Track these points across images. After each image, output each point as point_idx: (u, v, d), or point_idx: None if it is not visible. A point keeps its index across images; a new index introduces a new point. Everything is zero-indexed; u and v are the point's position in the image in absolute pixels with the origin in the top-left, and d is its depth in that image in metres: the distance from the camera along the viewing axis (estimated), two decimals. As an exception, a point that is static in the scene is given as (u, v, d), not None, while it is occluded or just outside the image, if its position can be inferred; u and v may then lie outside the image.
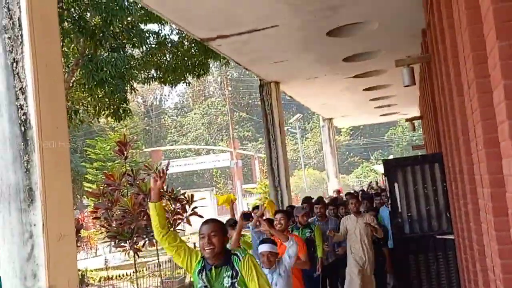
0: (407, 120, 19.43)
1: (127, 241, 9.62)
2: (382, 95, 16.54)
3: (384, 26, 9.11)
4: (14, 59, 4.45)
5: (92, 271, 17.27)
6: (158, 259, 11.09)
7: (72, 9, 12.05)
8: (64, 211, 4.56)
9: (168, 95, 69.17)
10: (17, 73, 4.42)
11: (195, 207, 10.63)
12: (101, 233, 10.93)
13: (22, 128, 4.38)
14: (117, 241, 9.80)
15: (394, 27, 9.32)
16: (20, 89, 4.42)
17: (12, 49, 4.47)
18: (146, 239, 10.26)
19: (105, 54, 12.13)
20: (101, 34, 11.92)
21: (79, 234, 12.21)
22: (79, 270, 14.24)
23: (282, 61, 11.15)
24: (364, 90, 15.37)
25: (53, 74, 4.60)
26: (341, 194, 15.98)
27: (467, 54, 3.52)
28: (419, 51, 10.41)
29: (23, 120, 4.39)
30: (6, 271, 4.38)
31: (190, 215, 10.59)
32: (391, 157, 32.29)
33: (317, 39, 9.54)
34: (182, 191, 11.20)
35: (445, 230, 8.39)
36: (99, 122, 21.50)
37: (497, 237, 3.26)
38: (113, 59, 11.52)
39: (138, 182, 10.16)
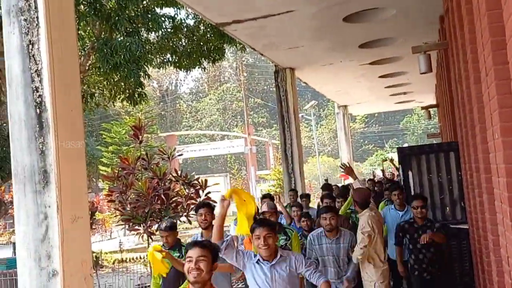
0: (423, 108, 19.24)
1: (141, 225, 9.68)
2: (398, 82, 16.38)
3: (402, 12, 8.99)
4: (30, 41, 4.47)
5: (106, 253, 17.49)
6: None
7: (88, -8, 12.06)
8: (78, 193, 4.60)
9: (184, 80, 69.33)
10: (33, 55, 4.44)
11: (209, 192, 10.66)
12: (115, 216, 11.03)
13: (38, 110, 4.41)
14: (131, 224, 9.87)
15: (412, 13, 9.19)
16: (36, 71, 4.44)
17: (28, 31, 4.49)
18: (160, 222, 10.33)
19: (120, 38, 12.13)
20: (116, 18, 11.91)
21: (93, 217, 12.33)
22: (93, 252, 14.42)
23: (297, 47, 11.08)
24: (379, 77, 15.24)
25: (69, 57, 4.61)
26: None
27: (485, 40, 3.46)
28: (436, 38, 10.27)
29: (39, 102, 4.42)
30: (21, 252, 4.44)
31: (204, 200, 10.63)
32: (405, 145, 32.05)
33: (333, 24, 9.45)
34: (196, 176, 11.24)
35: (459, 220, 8.33)
36: (114, 106, 21.59)
37: (512, 227, 3.22)
38: (127, 43, 11.51)
39: (152, 166, 10.20)
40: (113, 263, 15.22)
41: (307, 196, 10.10)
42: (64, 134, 4.46)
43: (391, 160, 11.15)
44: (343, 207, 7.81)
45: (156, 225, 10.33)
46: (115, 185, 10.04)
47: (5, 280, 9.90)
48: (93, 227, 14.42)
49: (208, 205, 6.27)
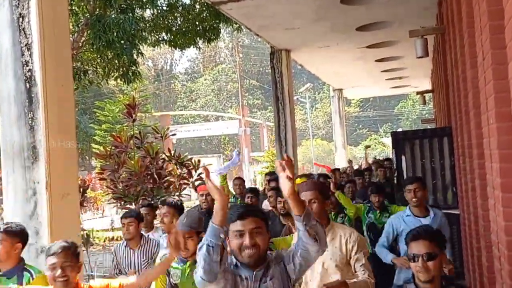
0: (418, 93, 19.21)
1: (133, 203, 9.66)
2: (394, 66, 16.31)
3: (400, -5, 8.91)
4: (20, 14, 4.38)
5: (98, 231, 17.49)
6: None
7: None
8: (68, 170, 4.55)
9: (179, 60, 68.84)
10: (23, 29, 4.36)
11: (201, 173, 10.64)
12: (107, 194, 11.00)
13: (27, 85, 4.34)
14: (122, 202, 9.85)
15: (410, -3, 9.11)
16: (26, 45, 4.36)
17: (18, 4, 4.40)
18: (152, 202, 10.31)
19: (114, 15, 11.97)
20: (111, -6, 11.75)
21: (85, 195, 12.29)
22: (84, 230, 14.42)
23: (293, 28, 10.97)
24: (376, 61, 15.16)
25: (59, 31, 4.53)
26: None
27: (483, 24, 3.41)
28: (434, 23, 10.19)
29: (28, 76, 4.34)
30: (9, 227, 4.39)
31: (196, 180, 10.61)
32: (400, 130, 32.12)
33: (330, 6, 9.35)
34: (189, 157, 11.21)
35: (451, 205, 8.35)
36: (108, 84, 21.42)
37: (504, 213, 3.20)
38: (120, 21, 11.36)
39: (145, 145, 10.16)
40: (104, 241, 15.23)
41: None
42: (54, 109, 4.40)
43: (367, 147, 10.64)
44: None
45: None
46: (107, 163, 10.00)
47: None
48: (85, 204, 14.40)
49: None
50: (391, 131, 23.77)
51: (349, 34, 11.62)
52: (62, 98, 4.55)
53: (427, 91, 18.32)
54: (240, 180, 8.26)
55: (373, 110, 58.65)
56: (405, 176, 8.69)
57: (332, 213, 6.55)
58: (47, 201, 4.31)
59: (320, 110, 57.48)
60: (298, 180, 7.49)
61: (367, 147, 10.50)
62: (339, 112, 23.09)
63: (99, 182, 17.98)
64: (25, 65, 4.33)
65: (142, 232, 5.35)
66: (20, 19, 4.38)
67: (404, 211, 5.31)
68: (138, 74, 13.65)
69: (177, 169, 10.34)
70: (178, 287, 3.67)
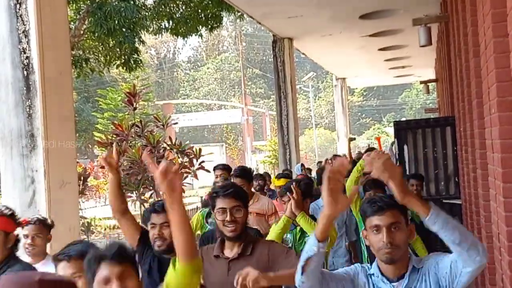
0: (421, 82, 19.10)
1: (134, 192, 9.66)
2: (397, 55, 16.20)
3: (403, -17, 8.81)
4: (17, 0, 4.33)
5: (100, 219, 17.53)
6: (164, 210, 11.17)
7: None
8: (66, 158, 4.53)
9: (182, 48, 68.56)
10: (20, 15, 4.31)
11: (203, 162, 10.62)
12: (108, 182, 10.98)
13: (25, 72, 4.30)
14: (123, 191, 9.85)
15: (414, -15, 9.01)
16: (23, 32, 4.32)
17: (15, -10, 4.35)
18: (153, 190, 10.31)
19: (115, 3, 11.89)
20: (112, -19, 11.67)
21: (86, 183, 12.29)
22: (85, 218, 14.46)
23: (296, 16, 10.88)
24: (379, 50, 15.05)
25: (57, 17, 4.49)
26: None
27: (486, 12, 3.35)
28: (438, 11, 10.10)
29: (26, 64, 4.31)
30: (8, 215, 4.38)
31: (198, 169, 10.60)
32: (403, 119, 32.02)
33: (333, -6, 9.27)
34: (191, 145, 11.18)
35: (453, 195, 8.32)
36: (109, 72, 21.38)
37: (505, 203, 3.17)
38: (122, 8, 11.28)
39: (146, 134, 10.13)
40: (105, 229, 15.25)
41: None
42: (52, 97, 4.37)
43: (350, 140, 9.97)
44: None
45: (149, 193, 10.33)
46: (108, 151, 9.99)
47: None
48: (86, 193, 14.42)
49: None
50: (394, 120, 23.71)
51: (352, 22, 11.53)
52: (61, 86, 4.51)
53: (430, 81, 18.21)
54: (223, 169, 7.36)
55: (377, 100, 58.46)
56: (407, 165, 8.66)
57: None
58: (45, 189, 4.29)
59: (323, 99, 57.32)
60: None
61: (351, 139, 9.85)
62: (342, 101, 23.01)
63: (101, 171, 17.99)
64: (22, 52, 4.29)
65: None
66: (18, 6, 4.33)
67: None
68: (139, 62, 13.59)
69: (178, 158, 10.32)
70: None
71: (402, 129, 9.04)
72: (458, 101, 6.88)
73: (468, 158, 5.92)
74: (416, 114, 50.58)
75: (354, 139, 10.03)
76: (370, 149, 7.85)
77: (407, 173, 8.62)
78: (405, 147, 8.80)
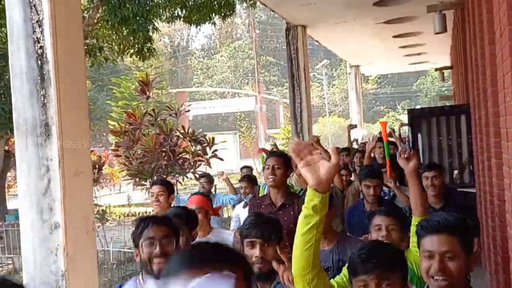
0: (436, 69, 18.90)
1: (148, 180, 9.73)
2: (412, 42, 16.03)
3: (418, -31, 8.69)
4: (31, -10, 4.35)
5: (115, 207, 17.71)
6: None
7: None
8: (80, 147, 4.56)
9: (195, 36, 68.46)
10: (34, 5, 4.33)
11: (216, 150, 10.66)
12: (122, 170, 11.09)
13: (39, 62, 4.33)
14: (137, 179, 9.93)
15: (429, -29, 8.87)
16: (37, 21, 4.33)
17: (29, -20, 4.36)
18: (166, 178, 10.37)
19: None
20: (126, -31, 11.65)
21: (101, 171, 12.41)
22: (100, 206, 14.61)
23: (309, 4, 10.79)
24: (394, 37, 14.90)
25: (71, 6, 4.50)
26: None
27: (502, -2, 3.30)
28: (453, -3, 9.96)
29: (40, 53, 4.33)
30: (23, 204, 4.44)
31: (211, 157, 10.63)
32: (418, 107, 31.76)
33: (347, -19, 9.18)
34: (205, 134, 11.22)
35: (467, 184, 8.26)
36: (123, 60, 21.42)
37: (518, 193, 3.15)
38: (136, -4, 11.30)
39: (159, 122, 10.18)
40: (119, 217, 15.40)
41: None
42: (66, 86, 4.39)
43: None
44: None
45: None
46: (122, 140, 10.05)
47: (13, 231, 10.06)
48: (101, 181, 14.54)
49: None
50: (408, 108, 23.51)
51: (366, 9, 11.42)
52: (74, 75, 4.53)
53: (446, 68, 18.01)
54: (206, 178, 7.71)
55: (391, 87, 58.00)
56: (421, 154, 8.60)
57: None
58: (60, 178, 4.33)
59: (337, 87, 57.01)
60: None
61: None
62: (356, 89, 22.85)
63: (115, 159, 18.12)
64: (36, 42, 4.31)
65: None
66: (31, -5, 4.35)
67: None
68: (153, 50, 13.61)
69: (192, 146, 10.36)
70: None
71: (416, 117, 8.98)
72: (473, 89, 6.81)
73: (483, 146, 5.87)
74: (431, 102, 50.12)
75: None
76: (380, 139, 7.73)
77: (421, 161, 8.58)
78: (419, 135, 8.75)
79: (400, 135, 10.70)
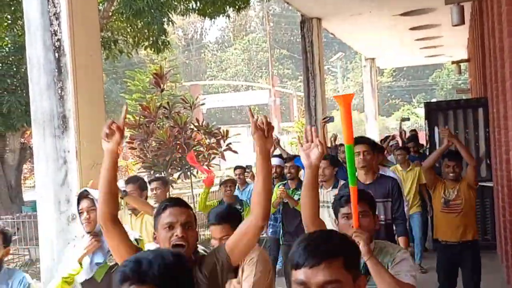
0: (453, 62, 18.70)
1: (162, 172, 9.78)
2: (428, 35, 15.86)
3: (436, -40, 8.58)
4: (48, -17, 4.37)
5: (130, 199, 17.75)
6: (192, 191, 11.29)
7: None
8: (97, 139, 4.57)
9: (209, 29, 68.42)
10: (51, -2, 4.35)
11: (230, 143, 10.67)
12: (137, 163, 11.15)
13: (56, 55, 4.35)
14: (152, 172, 9.98)
15: (447, -38, 8.75)
16: (54, 14, 4.36)
17: (46, -28, 4.38)
18: (181, 171, 10.42)
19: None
20: (141, -38, 11.66)
21: (116, 163, 12.46)
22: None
23: (325, -4, 10.73)
24: (410, 29, 14.76)
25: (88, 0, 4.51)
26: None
27: (523, -11, 3.24)
28: (471, -11, 9.83)
29: (57, 46, 4.35)
30: (41, 195, 4.49)
31: (225, 150, 10.65)
32: (434, 100, 31.47)
33: (363, -28, 9.09)
34: (219, 127, 11.24)
35: (484, 177, 8.17)
36: (138, 53, 21.48)
37: (539, 187, 3.10)
38: (151, -12, 11.30)
39: (173, 115, 10.21)
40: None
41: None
42: (83, 79, 4.42)
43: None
44: None
45: (177, 174, 10.42)
46: (137, 132, 10.10)
47: (30, 222, 10.17)
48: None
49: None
50: (424, 101, 23.33)
51: (382, 1, 11.31)
52: (91, 68, 4.56)
53: (462, 61, 17.81)
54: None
55: (407, 80, 57.55)
56: (437, 147, 8.52)
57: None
58: (77, 170, 4.36)
59: (351, 80, 56.70)
60: None
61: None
62: (371, 81, 22.70)
63: (130, 151, 18.23)
64: (53, 35, 4.34)
65: None
66: (48, -12, 4.37)
67: None
68: (167, 43, 13.62)
69: (206, 139, 10.39)
70: None
71: (433, 110, 8.90)
72: (491, 82, 6.73)
73: (501, 140, 5.80)
74: (448, 95, 49.69)
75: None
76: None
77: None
78: (436, 128, 8.67)
79: (400, 131, 10.53)
